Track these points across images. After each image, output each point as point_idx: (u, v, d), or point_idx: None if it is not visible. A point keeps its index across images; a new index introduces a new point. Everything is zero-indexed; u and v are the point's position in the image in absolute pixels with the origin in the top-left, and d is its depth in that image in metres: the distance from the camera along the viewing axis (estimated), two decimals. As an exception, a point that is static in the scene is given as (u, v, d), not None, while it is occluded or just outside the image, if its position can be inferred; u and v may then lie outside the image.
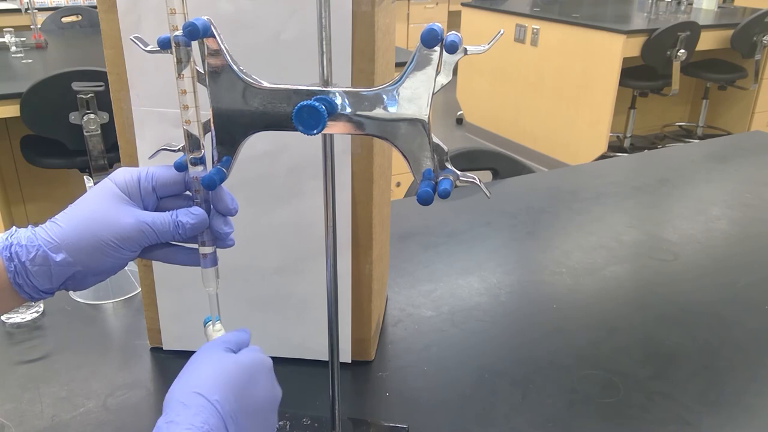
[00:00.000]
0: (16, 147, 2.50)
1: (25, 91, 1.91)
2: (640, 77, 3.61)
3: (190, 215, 0.48)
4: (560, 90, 3.72)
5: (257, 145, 0.56)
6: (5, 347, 0.76)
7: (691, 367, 0.74)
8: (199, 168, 0.48)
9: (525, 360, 0.75)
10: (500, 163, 1.43)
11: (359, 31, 0.59)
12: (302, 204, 0.66)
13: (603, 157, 3.44)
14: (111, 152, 2.08)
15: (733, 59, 3.86)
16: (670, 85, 3.61)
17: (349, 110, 0.45)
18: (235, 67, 0.45)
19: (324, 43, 0.45)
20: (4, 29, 2.53)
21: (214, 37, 0.44)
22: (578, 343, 0.78)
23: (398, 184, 2.78)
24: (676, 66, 3.54)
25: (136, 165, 0.67)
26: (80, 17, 3.30)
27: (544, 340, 0.79)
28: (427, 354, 0.76)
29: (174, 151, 0.49)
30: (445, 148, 0.45)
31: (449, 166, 0.46)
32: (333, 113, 0.45)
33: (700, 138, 4.13)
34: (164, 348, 0.75)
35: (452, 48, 0.41)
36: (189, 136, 0.47)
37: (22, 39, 2.53)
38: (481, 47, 0.43)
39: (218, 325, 0.53)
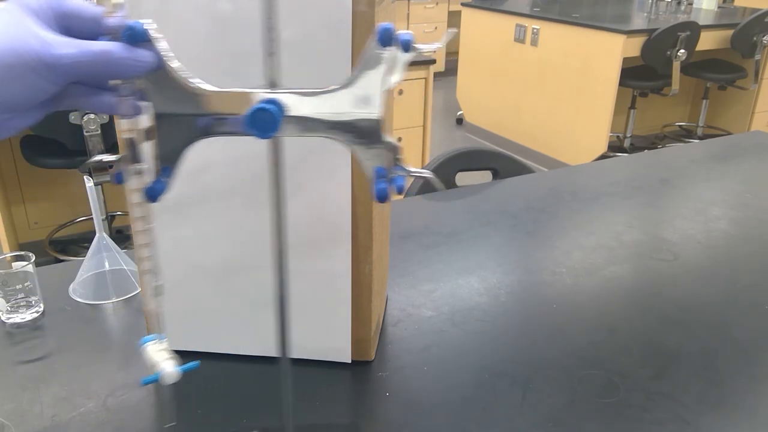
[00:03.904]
0: (16, 147, 2.50)
1: (25, 91, 1.90)
2: (640, 77, 3.62)
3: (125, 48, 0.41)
4: (560, 90, 3.73)
5: (257, 145, 0.56)
6: (5, 347, 0.76)
7: (692, 368, 0.74)
8: (141, 179, 0.45)
9: (525, 360, 0.75)
10: (500, 163, 1.43)
11: (359, 31, 0.59)
12: (301, 204, 0.66)
13: (603, 157, 3.44)
14: (111, 152, 2.09)
15: (733, 59, 3.86)
16: (670, 85, 3.61)
17: (300, 112, 0.44)
18: (176, 72, 0.43)
19: (271, 43, 0.43)
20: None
21: (154, 41, 0.42)
22: (578, 343, 0.78)
23: (398, 184, 2.78)
24: (676, 66, 3.54)
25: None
26: (80, 17, 3.29)
27: (544, 340, 0.79)
28: (427, 354, 0.76)
29: (112, 162, 0.46)
30: (398, 145, 0.45)
31: (401, 163, 0.45)
32: (284, 116, 0.43)
33: (700, 138, 4.14)
34: (164, 348, 0.75)
35: (406, 46, 0.41)
36: (129, 144, 0.44)
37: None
38: (432, 45, 0.43)
39: (165, 343, 0.49)
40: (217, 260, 0.70)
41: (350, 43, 0.60)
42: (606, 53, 3.41)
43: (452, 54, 5.59)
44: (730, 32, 3.68)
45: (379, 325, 0.78)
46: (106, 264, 0.87)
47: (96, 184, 0.83)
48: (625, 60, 3.37)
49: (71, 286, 0.87)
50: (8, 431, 0.63)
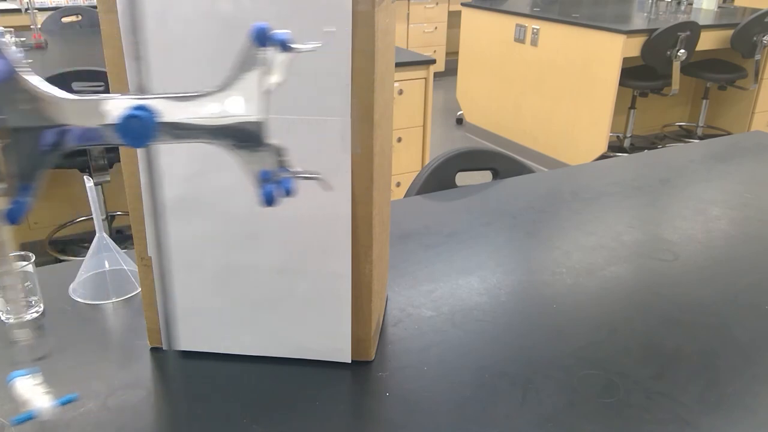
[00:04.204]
0: (16, 147, 2.49)
1: (25, 91, 1.90)
2: (640, 77, 3.62)
3: None
4: (560, 90, 3.73)
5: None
6: (5, 347, 0.76)
7: (692, 368, 0.74)
8: (3, 201, 0.42)
9: (525, 360, 0.75)
10: (500, 163, 1.43)
11: (359, 31, 0.59)
12: (303, 204, 0.66)
13: (603, 157, 3.44)
14: (111, 152, 2.09)
15: (733, 59, 3.86)
16: (670, 85, 3.61)
17: (175, 118, 0.41)
18: (30, 82, 0.40)
19: (137, 46, 0.42)
20: (4, 29, 2.53)
21: (3, 49, 0.39)
22: (578, 343, 0.78)
23: (398, 184, 2.78)
24: (676, 66, 3.54)
25: (136, 166, 0.67)
26: (80, 17, 3.30)
27: (545, 340, 0.79)
28: (427, 354, 0.76)
29: None
30: (283, 147, 0.43)
31: (286, 165, 0.44)
32: (157, 122, 0.41)
33: (700, 138, 4.14)
34: (164, 348, 0.76)
35: (283, 46, 0.40)
36: None
37: (22, 39, 2.53)
38: (309, 45, 0.42)
39: (39, 378, 0.45)
40: (216, 261, 0.70)
41: (350, 44, 0.60)
42: (606, 53, 3.41)
43: (452, 54, 5.60)
44: (730, 32, 3.68)
45: (379, 325, 0.79)
46: (106, 264, 0.87)
47: (96, 184, 0.83)
48: (625, 60, 3.37)
49: (71, 286, 0.87)
50: (8, 431, 0.63)
